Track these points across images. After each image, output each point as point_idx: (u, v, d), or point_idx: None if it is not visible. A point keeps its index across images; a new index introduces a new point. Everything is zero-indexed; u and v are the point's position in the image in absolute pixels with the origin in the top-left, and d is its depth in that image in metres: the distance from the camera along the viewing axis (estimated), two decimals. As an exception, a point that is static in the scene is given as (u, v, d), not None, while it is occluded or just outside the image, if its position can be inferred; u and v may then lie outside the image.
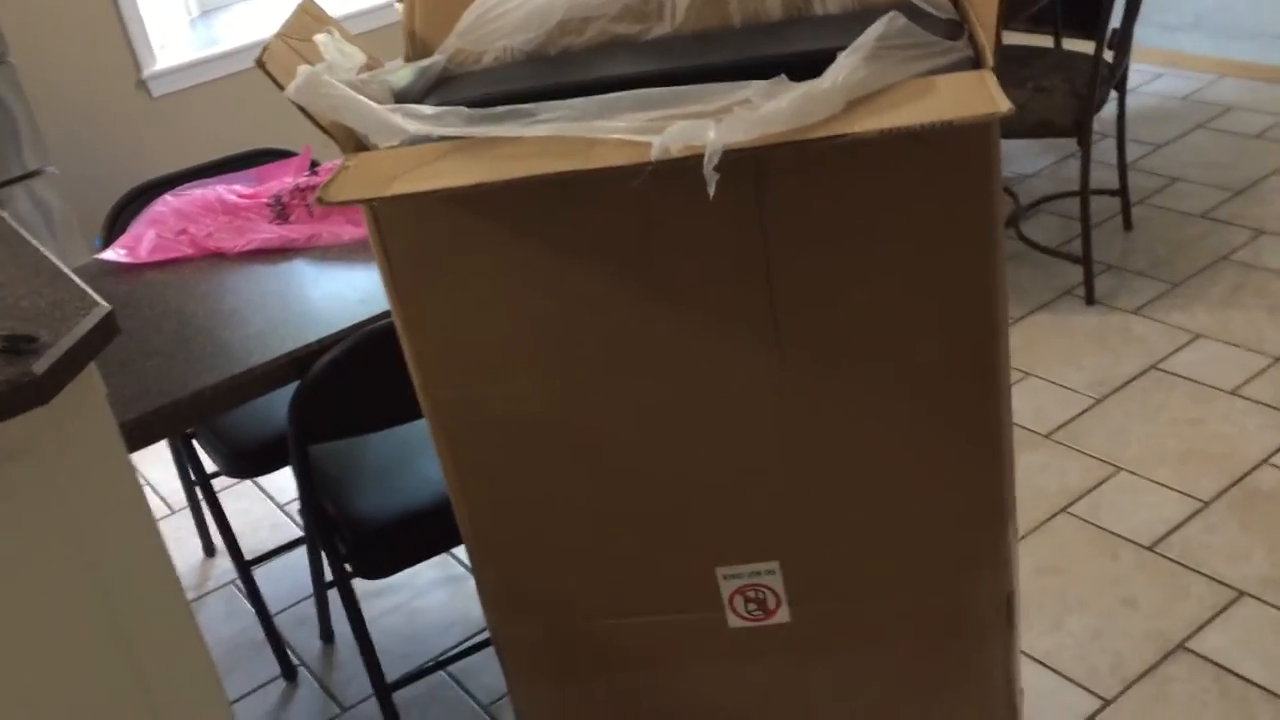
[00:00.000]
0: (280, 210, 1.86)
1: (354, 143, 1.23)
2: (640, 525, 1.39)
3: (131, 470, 1.36)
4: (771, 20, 1.31)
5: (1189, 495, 2.13)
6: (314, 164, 2.04)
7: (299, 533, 2.48)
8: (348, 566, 1.71)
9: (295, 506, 2.56)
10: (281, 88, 1.16)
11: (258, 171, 2.05)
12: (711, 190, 1.01)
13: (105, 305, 1.32)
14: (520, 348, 1.28)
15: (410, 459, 1.80)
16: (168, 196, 1.95)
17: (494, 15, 1.32)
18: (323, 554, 1.85)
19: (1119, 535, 2.07)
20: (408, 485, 1.75)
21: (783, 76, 1.10)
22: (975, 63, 1.17)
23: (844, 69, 1.08)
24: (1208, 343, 2.53)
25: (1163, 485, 2.16)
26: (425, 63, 1.32)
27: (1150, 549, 2.03)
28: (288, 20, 1.27)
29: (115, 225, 2.07)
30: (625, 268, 1.22)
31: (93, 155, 3.50)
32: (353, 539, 1.70)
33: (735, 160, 1.05)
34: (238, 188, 1.95)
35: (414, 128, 1.16)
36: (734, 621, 1.42)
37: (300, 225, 1.83)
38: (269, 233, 1.82)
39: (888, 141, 1.06)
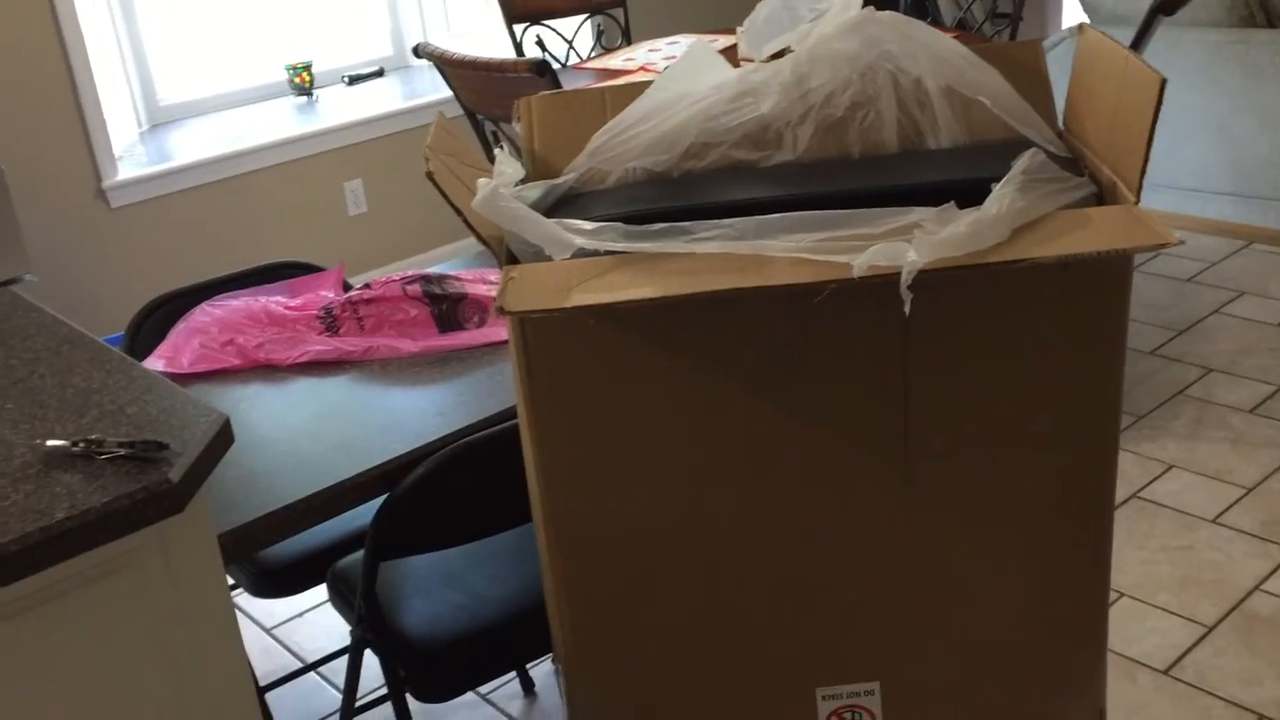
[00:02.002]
0: (331, 323, 1.84)
1: (507, 254, 1.25)
2: (746, 643, 1.39)
3: (227, 587, 1.31)
4: (888, 152, 1.38)
5: (1192, 620, 2.21)
6: (346, 284, 2.03)
7: (292, 660, 2.39)
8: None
9: (284, 631, 2.47)
10: (447, 198, 1.17)
11: (291, 285, 2.03)
12: (908, 307, 1.05)
13: (220, 412, 1.29)
14: (652, 460, 1.29)
15: (463, 572, 1.76)
16: (206, 306, 1.92)
17: (625, 137, 1.36)
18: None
19: (1134, 659, 2.13)
20: (469, 599, 1.71)
21: (951, 204, 1.15)
22: (1099, 198, 1.25)
23: (1004, 199, 1.15)
24: (1181, 473, 2.65)
25: (1165, 610, 2.24)
26: (556, 180, 1.35)
27: (1165, 673, 2.09)
28: (432, 133, 1.28)
29: (138, 336, 2.02)
30: (770, 382, 1.25)
31: (55, 262, 3.40)
32: (414, 659, 1.65)
33: (886, 282, 1.10)
34: (279, 299, 1.93)
35: (580, 241, 1.18)
36: (835, 742, 1.42)
37: (353, 338, 1.82)
38: (322, 345, 1.80)
39: (1036, 267, 1.12)
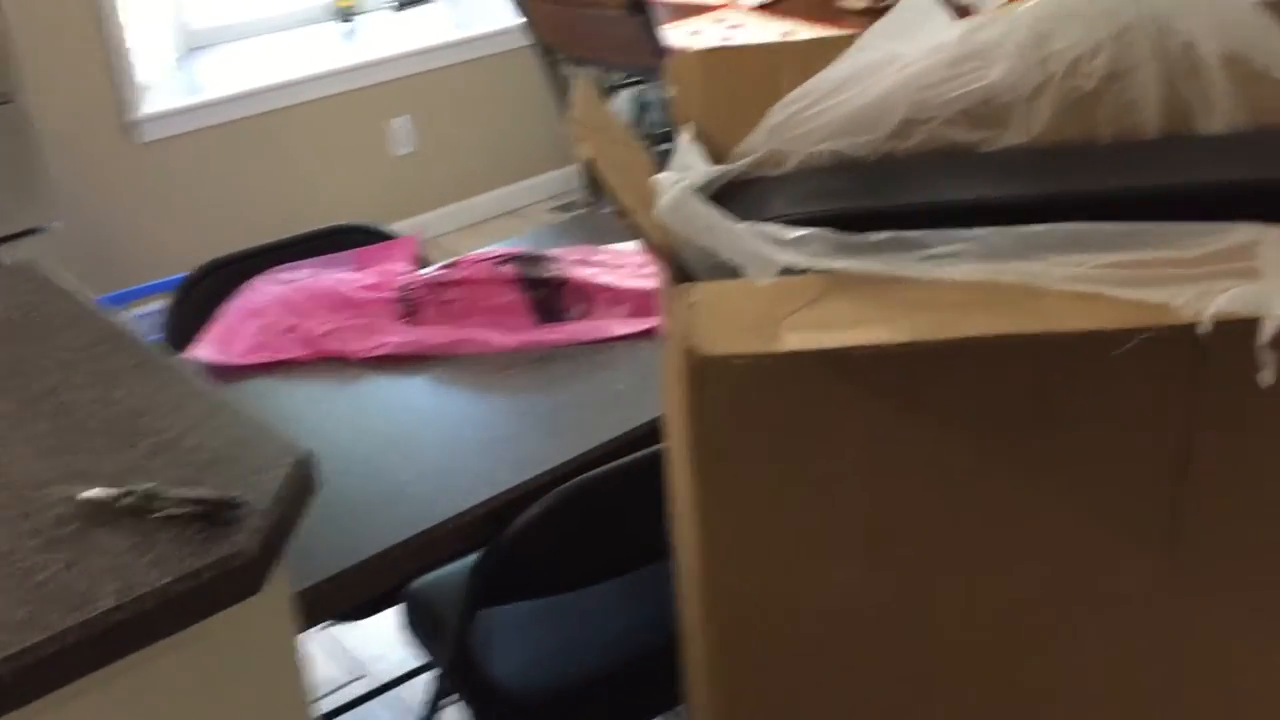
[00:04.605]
0: (410, 307, 1.56)
1: (677, 266, 0.97)
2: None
3: (303, 677, 1.05)
4: (1146, 137, 1.09)
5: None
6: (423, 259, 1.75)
7: (346, 667, 2.15)
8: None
9: (338, 630, 2.23)
10: (613, 196, 0.89)
11: (358, 255, 1.75)
12: (1271, 377, 0.77)
13: (303, 449, 1.03)
14: (847, 534, 1.02)
15: (563, 609, 1.51)
16: (261, 282, 1.64)
17: (816, 110, 1.07)
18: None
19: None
20: (570, 643, 1.46)
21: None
22: None
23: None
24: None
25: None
26: (727, 166, 1.06)
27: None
28: (579, 102, 1.00)
29: (182, 311, 1.75)
30: (1004, 442, 0.97)
31: (79, 206, 3.12)
32: (504, 713, 1.40)
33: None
34: (347, 275, 1.65)
35: (784, 257, 0.90)
36: None
37: (435, 327, 1.54)
38: (402, 334, 1.53)
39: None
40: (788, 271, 0.91)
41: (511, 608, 1.50)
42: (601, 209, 2.92)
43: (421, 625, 1.54)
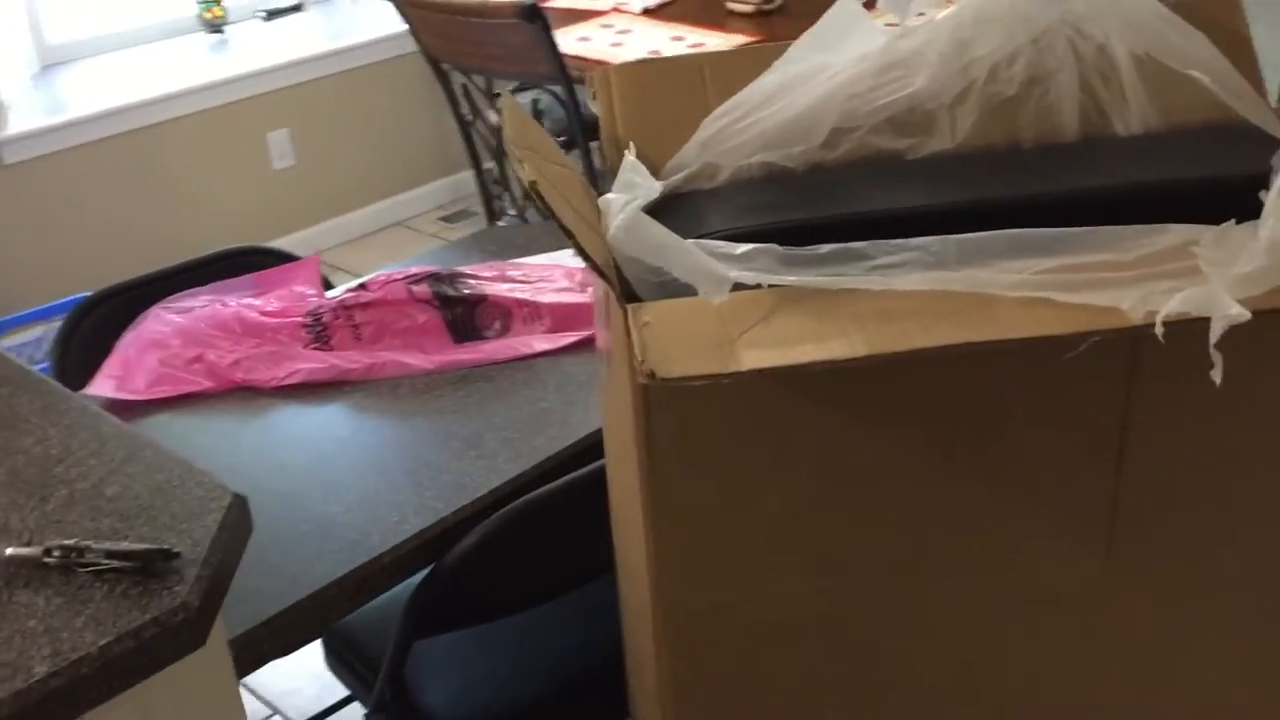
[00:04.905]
0: (320, 332, 1.51)
1: (625, 286, 0.95)
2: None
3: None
4: (1066, 139, 1.11)
5: None
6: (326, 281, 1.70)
7: (258, 708, 2.08)
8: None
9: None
10: (557, 219, 0.87)
11: (257, 279, 1.69)
12: (1219, 376, 0.79)
13: (228, 489, 0.98)
14: (799, 545, 1.01)
15: (498, 632, 1.47)
16: (160, 311, 1.57)
17: (748, 122, 1.06)
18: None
19: None
20: (507, 668, 1.43)
21: (1232, 224, 0.89)
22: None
23: (1286, 215, 0.89)
24: None
25: None
26: (665, 181, 1.05)
27: None
28: (509, 120, 0.97)
29: (70, 346, 1.67)
30: (948, 449, 0.98)
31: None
32: (442, 747, 1.37)
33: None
34: (250, 301, 1.59)
35: (734, 274, 0.89)
36: None
37: (349, 352, 1.50)
38: (315, 361, 1.48)
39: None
40: (738, 288, 0.90)
41: (442, 636, 1.47)
42: (499, 222, 2.89)
43: (345, 661, 1.49)
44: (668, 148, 1.09)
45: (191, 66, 3.44)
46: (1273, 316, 0.83)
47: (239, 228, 3.42)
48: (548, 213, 0.87)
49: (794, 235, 0.95)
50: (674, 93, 1.12)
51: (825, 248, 0.92)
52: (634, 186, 0.94)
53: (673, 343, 0.85)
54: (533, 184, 0.86)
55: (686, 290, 0.92)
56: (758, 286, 0.90)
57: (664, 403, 0.93)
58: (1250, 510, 1.04)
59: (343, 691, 1.96)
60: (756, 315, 0.88)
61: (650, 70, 1.13)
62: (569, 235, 0.87)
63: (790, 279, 0.89)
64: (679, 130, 1.10)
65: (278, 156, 3.57)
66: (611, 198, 0.89)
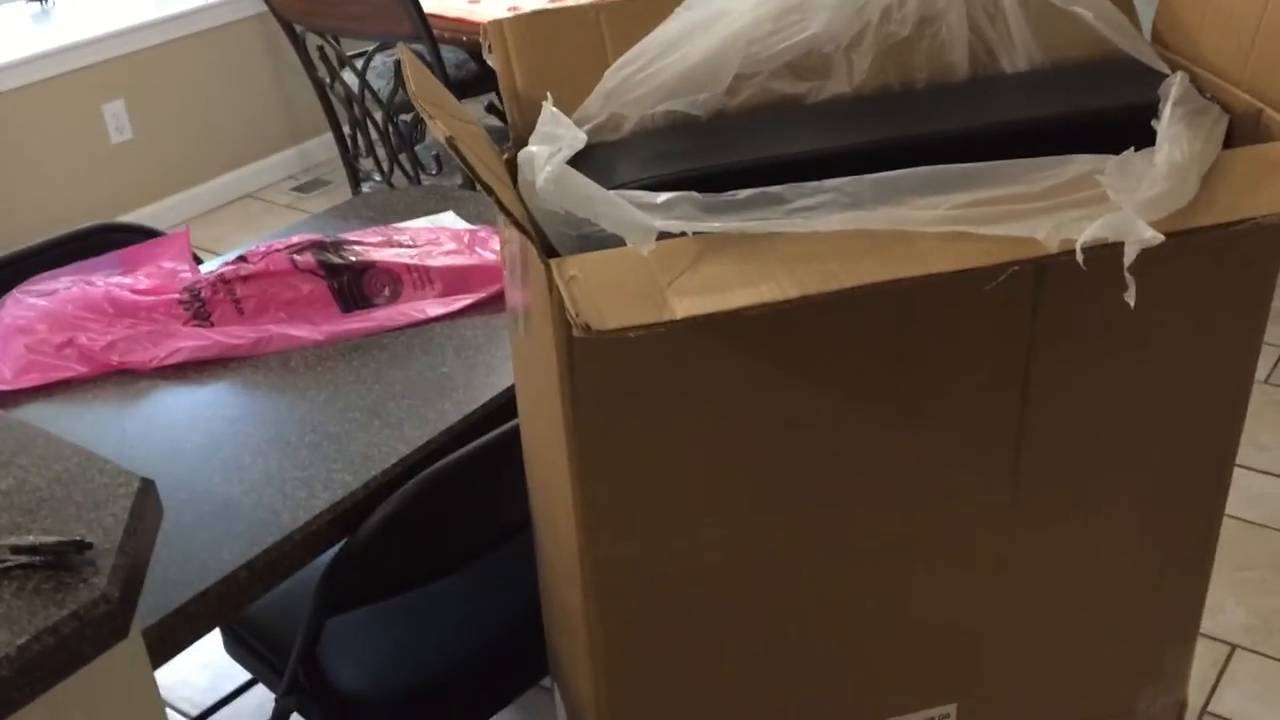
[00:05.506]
0: (199, 309, 1.45)
1: (543, 241, 0.93)
2: (811, 682, 1.16)
3: (163, 712, 0.97)
4: (957, 78, 1.13)
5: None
6: (197, 259, 1.63)
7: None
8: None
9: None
10: (475, 175, 0.85)
11: (121, 256, 1.61)
12: (1132, 297, 0.82)
13: (137, 476, 0.93)
14: (724, 490, 1.02)
15: (408, 602, 1.45)
16: (19, 295, 1.49)
17: (650, 72, 1.05)
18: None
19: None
20: (420, 638, 1.41)
21: (1131, 151, 0.92)
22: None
23: (1180, 141, 0.92)
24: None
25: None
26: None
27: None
28: (413, 76, 0.94)
29: (-78, 335, 1.56)
30: (865, 386, 1.00)
31: None
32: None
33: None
34: (119, 280, 1.52)
35: (659, 223, 0.88)
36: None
37: (234, 327, 1.44)
38: (196, 338, 1.41)
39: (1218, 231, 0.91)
40: (661, 237, 0.89)
41: (350, 613, 1.43)
42: (365, 188, 2.81)
43: (247, 645, 1.45)
44: (569, 99, 1.07)
45: (13, 38, 3.24)
46: (1176, 239, 0.87)
47: (79, 206, 3.25)
48: (467, 169, 0.84)
49: (706, 182, 0.95)
50: (571, 43, 1.10)
51: (744, 193, 0.92)
52: (557, 139, 0.92)
53: (603, 295, 0.84)
54: (449, 139, 0.83)
55: (603, 244, 0.91)
56: (680, 235, 0.89)
57: (589, 355, 0.92)
58: (1146, 432, 1.08)
59: (237, 679, 1.91)
60: (683, 263, 0.87)
61: (544, 20, 1.10)
62: (488, 190, 0.85)
63: (714, 225, 0.88)
64: (579, 81, 1.08)
65: (115, 130, 3.40)
66: (535, 150, 0.87)
